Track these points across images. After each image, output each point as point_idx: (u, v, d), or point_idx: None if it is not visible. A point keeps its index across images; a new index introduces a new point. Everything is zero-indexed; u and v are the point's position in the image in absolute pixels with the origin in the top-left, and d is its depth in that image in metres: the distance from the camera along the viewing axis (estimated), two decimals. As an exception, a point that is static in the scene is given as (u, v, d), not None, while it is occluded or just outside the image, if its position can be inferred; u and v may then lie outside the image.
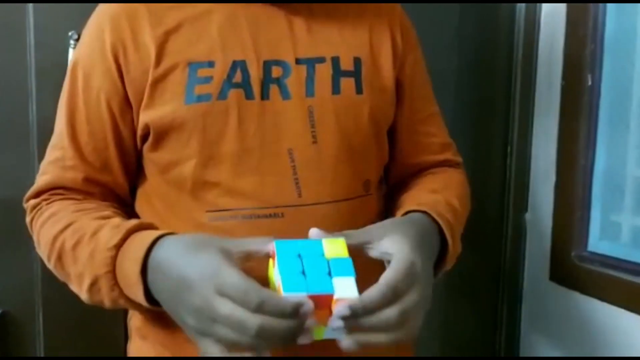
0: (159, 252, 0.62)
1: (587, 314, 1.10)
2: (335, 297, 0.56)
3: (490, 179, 1.31)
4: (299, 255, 0.58)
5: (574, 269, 1.13)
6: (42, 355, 1.05)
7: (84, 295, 0.68)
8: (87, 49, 0.74)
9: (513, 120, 1.29)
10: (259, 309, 0.54)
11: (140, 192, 0.78)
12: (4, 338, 1.05)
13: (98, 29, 0.73)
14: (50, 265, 0.72)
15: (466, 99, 1.28)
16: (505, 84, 1.29)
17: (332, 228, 0.71)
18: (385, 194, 0.86)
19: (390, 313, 0.57)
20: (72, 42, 1.06)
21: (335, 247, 0.60)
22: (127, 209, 0.78)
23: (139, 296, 0.62)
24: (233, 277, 0.55)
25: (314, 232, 0.62)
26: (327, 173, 0.72)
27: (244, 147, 0.70)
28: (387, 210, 0.83)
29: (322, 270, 0.57)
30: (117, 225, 0.67)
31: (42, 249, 0.72)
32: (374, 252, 0.64)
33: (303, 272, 0.57)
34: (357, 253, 0.62)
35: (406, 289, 0.58)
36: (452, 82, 1.26)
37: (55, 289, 0.73)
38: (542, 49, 1.25)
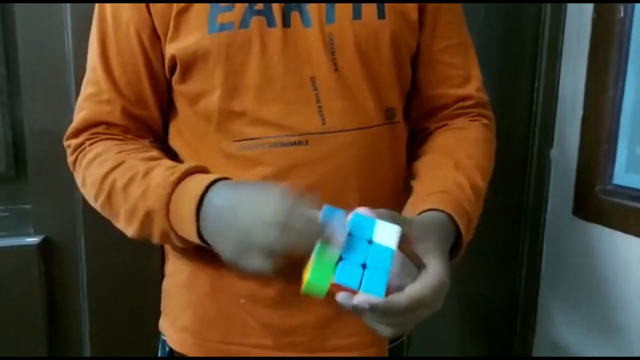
0: (216, 195, 0.63)
1: (610, 248, 1.10)
2: (362, 290, 0.56)
3: (516, 114, 1.29)
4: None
5: (598, 203, 1.12)
6: (85, 279, 1.10)
7: (131, 231, 0.70)
8: None
9: (541, 54, 1.26)
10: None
11: (172, 126, 0.80)
12: (47, 263, 1.08)
13: None
14: (97, 204, 0.73)
15: (493, 30, 1.25)
16: (534, 16, 1.25)
17: (358, 156, 0.73)
18: (409, 131, 0.84)
19: (400, 319, 0.58)
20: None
21: (386, 233, 0.59)
22: (162, 146, 0.80)
23: (191, 234, 0.64)
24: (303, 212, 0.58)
25: (380, 211, 0.61)
26: (349, 100, 0.73)
27: (267, 76, 0.71)
28: (408, 156, 0.83)
29: (360, 258, 0.57)
30: (172, 165, 0.69)
31: (88, 189, 0.74)
32: (408, 249, 0.62)
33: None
34: None
35: (428, 304, 0.59)
36: (479, 12, 1.22)
37: (97, 214, 0.75)
38: (574, -22, 1.21)
